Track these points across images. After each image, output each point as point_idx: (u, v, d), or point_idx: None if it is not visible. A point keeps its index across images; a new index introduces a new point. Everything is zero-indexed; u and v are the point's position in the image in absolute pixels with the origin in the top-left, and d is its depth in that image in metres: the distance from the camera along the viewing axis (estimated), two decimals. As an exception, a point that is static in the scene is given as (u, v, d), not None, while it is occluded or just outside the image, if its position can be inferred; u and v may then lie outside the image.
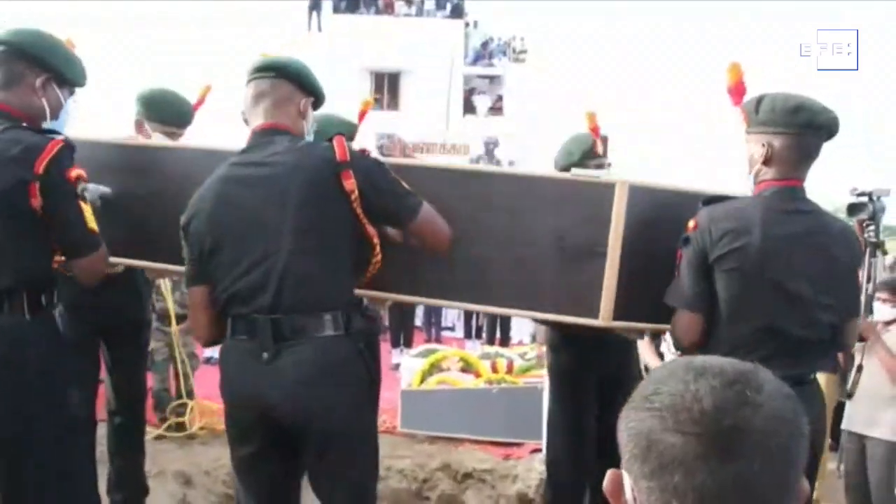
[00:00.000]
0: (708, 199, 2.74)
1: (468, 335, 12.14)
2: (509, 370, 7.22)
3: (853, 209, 4.59)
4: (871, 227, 4.52)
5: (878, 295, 4.44)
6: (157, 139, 3.68)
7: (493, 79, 29.28)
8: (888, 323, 4.42)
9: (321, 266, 2.59)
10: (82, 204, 2.63)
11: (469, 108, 28.00)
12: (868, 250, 4.58)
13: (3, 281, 2.55)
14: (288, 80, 2.69)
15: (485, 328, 11.73)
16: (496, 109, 28.62)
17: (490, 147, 17.72)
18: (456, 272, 2.84)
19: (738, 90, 2.84)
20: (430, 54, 26.68)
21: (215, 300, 2.67)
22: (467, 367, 7.39)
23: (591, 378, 3.88)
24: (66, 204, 2.59)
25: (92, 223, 2.67)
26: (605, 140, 3.85)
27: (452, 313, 13.52)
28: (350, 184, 2.55)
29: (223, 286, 2.64)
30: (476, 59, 29.37)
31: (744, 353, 2.35)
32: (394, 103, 28.73)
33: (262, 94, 2.68)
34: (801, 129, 2.66)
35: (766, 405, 0.99)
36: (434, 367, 7.47)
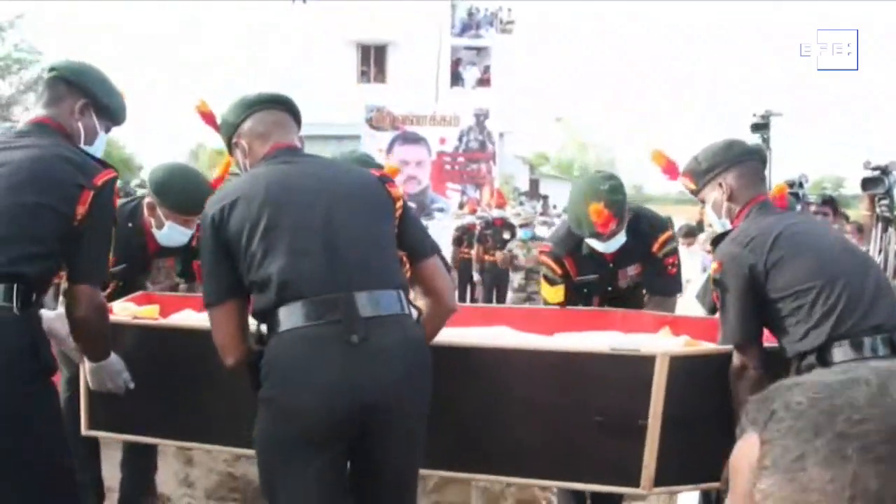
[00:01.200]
0: (715, 240, 2.89)
1: (463, 308, 12.13)
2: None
3: (867, 183, 4.57)
4: (885, 202, 4.51)
5: None
6: (170, 226, 3.58)
7: (480, 50, 29.12)
8: None
9: (381, 247, 2.50)
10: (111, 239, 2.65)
11: (457, 79, 27.87)
12: (880, 225, 4.57)
13: (11, 253, 2.42)
14: (292, 116, 2.74)
15: (480, 301, 11.71)
16: (484, 81, 28.50)
17: (481, 119, 17.54)
18: (493, 444, 2.85)
19: (670, 169, 3.18)
20: (417, 26, 26.52)
21: (260, 294, 2.42)
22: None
23: None
24: (103, 229, 2.58)
25: (108, 263, 2.67)
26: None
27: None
28: (396, 192, 2.59)
29: (277, 268, 2.38)
30: (463, 31, 29.19)
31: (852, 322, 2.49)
32: (381, 76, 28.59)
33: (279, 122, 2.68)
34: (741, 158, 2.89)
35: None
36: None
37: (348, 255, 2.40)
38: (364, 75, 29.21)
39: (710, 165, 2.89)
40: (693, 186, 2.99)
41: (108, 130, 2.83)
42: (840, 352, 2.50)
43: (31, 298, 2.45)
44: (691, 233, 8.81)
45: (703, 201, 3.01)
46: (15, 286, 2.38)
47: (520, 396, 2.80)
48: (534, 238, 9.76)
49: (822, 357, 2.51)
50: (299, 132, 2.75)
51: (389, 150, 17.29)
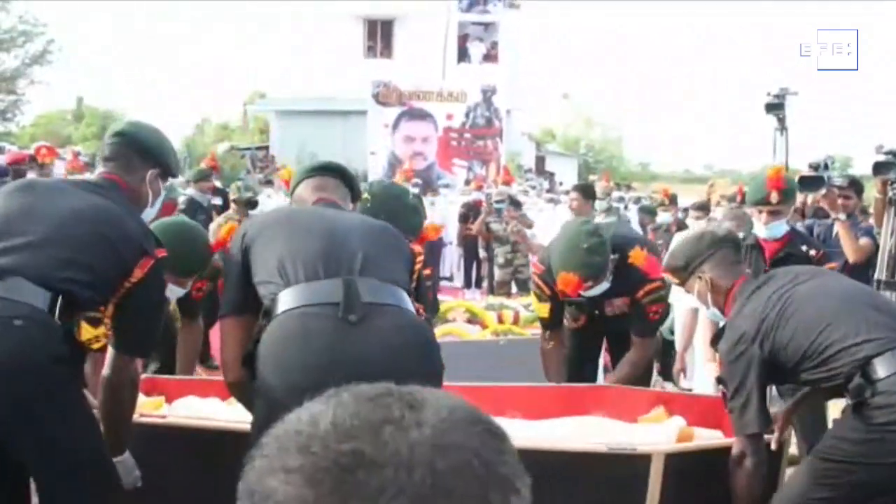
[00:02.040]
0: (713, 340, 3.00)
1: (468, 284, 12.09)
2: (515, 321, 7.13)
3: (879, 168, 4.56)
4: None
5: None
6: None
7: (487, 25, 28.87)
8: None
9: (389, 258, 2.58)
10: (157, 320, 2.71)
11: (464, 55, 27.67)
12: (893, 209, 4.55)
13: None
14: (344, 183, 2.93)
15: (486, 278, 11.66)
16: (491, 56, 28.28)
17: (488, 95, 17.46)
18: None
19: (652, 267, 3.69)
20: (424, 0, 26.28)
21: (265, 288, 2.48)
22: (473, 318, 7.31)
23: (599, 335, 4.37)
24: (154, 304, 2.64)
25: (154, 341, 2.72)
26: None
27: (451, 262, 13.50)
28: (418, 249, 2.79)
29: (279, 256, 2.47)
30: (470, 6, 28.89)
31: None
32: (387, 51, 28.35)
33: (322, 186, 2.86)
34: (713, 248, 3.04)
35: (428, 426, 0.73)
36: (439, 319, 7.41)
37: (354, 247, 2.46)
38: (371, 50, 28.96)
39: (687, 261, 3.07)
40: (677, 281, 3.18)
41: (200, 276, 3.12)
42: (882, 362, 2.54)
43: (71, 318, 2.42)
44: (703, 207, 8.72)
45: (690, 292, 3.17)
46: (60, 298, 2.36)
47: None
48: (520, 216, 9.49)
49: (866, 374, 2.55)
50: (351, 200, 2.94)
51: (396, 126, 17.23)
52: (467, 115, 17.47)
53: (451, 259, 13.53)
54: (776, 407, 3.44)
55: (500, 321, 7.16)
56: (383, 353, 2.27)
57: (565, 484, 2.74)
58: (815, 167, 5.23)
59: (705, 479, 2.77)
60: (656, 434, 3.03)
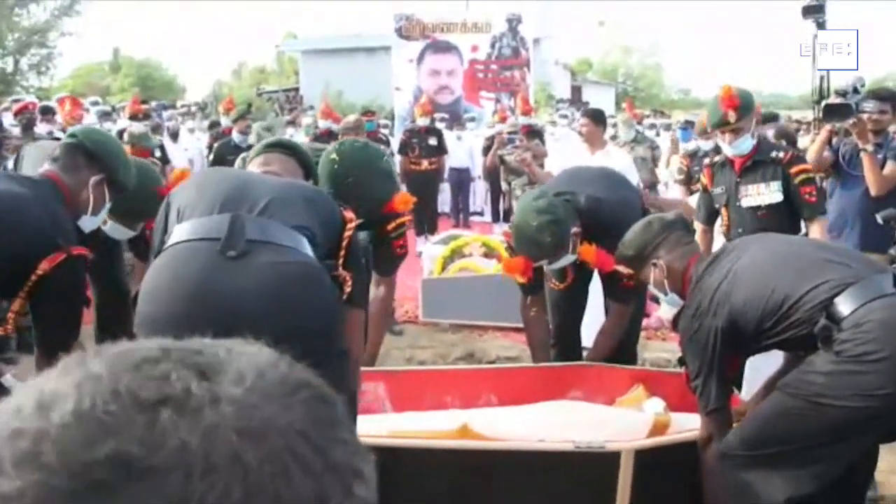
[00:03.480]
0: (674, 321, 2.96)
1: (496, 218, 11.88)
2: (533, 253, 6.92)
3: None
4: None
5: None
6: (112, 225, 3.37)
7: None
8: None
9: (301, 214, 2.43)
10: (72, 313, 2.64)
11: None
12: None
13: None
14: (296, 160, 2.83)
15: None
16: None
17: (513, 24, 16.96)
18: None
19: (603, 261, 3.50)
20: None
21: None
22: (489, 252, 7.14)
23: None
24: (66, 303, 2.59)
25: (68, 341, 2.59)
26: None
27: (480, 197, 13.29)
28: (350, 216, 2.57)
29: (181, 201, 2.42)
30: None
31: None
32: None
33: (269, 163, 2.76)
34: (663, 233, 2.99)
35: (227, 402, 0.49)
36: (455, 254, 7.24)
37: (261, 193, 2.35)
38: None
39: (638, 249, 3.03)
40: (629, 272, 3.15)
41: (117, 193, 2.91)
42: (844, 300, 2.43)
43: None
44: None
45: (646, 283, 3.13)
46: None
47: (480, 498, 2.72)
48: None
49: (831, 315, 2.44)
50: (305, 177, 2.81)
51: (420, 60, 16.86)
52: (493, 46, 16.98)
53: (480, 193, 13.32)
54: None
55: (517, 254, 6.93)
56: (256, 290, 2.14)
57: (535, 482, 2.70)
58: (842, 93, 4.89)
59: (677, 472, 2.71)
60: (632, 422, 2.96)
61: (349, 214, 2.57)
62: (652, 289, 3.08)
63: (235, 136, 8.59)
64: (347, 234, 2.52)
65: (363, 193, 3.08)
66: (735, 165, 4.24)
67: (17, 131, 8.33)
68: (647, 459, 2.66)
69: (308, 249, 2.30)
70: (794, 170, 4.09)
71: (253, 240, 2.21)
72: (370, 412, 3.02)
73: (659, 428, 2.90)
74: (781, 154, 4.19)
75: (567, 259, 3.63)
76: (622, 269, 3.20)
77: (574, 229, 3.57)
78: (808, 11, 6.22)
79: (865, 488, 2.80)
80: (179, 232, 2.30)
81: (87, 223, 2.80)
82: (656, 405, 3.10)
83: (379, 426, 2.75)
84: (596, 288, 4.09)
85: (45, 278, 2.45)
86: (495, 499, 2.72)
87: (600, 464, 2.63)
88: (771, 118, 7.90)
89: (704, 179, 4.43)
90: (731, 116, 4.05)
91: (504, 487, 2.71)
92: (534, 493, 2.70)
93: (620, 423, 2.93)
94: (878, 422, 2.37)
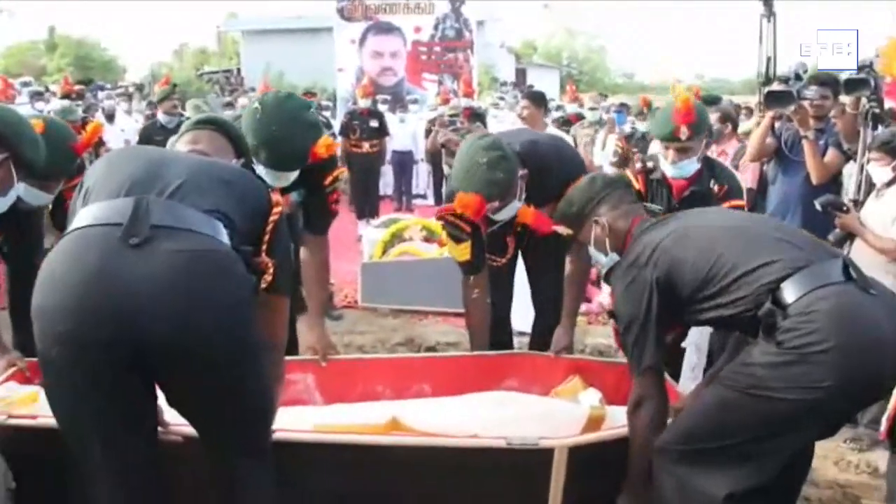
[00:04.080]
0: (607, 275, 2.82)
1: (438, 201, 11.78)
2: (474, 237, 6.85)
3: (851, 85, 4.41)
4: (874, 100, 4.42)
5: (870, 157, 4.12)
6: (26, 187, 3.00)
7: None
8: (888, 184, 4.06)
9: (219, 197, 2.28)
10: None
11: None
12: (869, 127, 4.38)
13: None
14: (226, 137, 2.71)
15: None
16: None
17: (456, 5, 16.81)
18: None
19: (541, 222, 3.34)
20: None
21: None
22: (430, 236, 7.04)
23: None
24: None
25: None
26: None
27: (423, 180, 13.19)
28: (277, 200, 2.44)
29: (89, 183, 2.29)
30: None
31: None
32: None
33: (197, 140, 2.64)
34: (607, 189, 2.89)
35: None
36: (396, 238, 7.14)
37: (174, 174, 2.20)
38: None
39: (580, 206, 2.90)
40: (571, 231, 2.99)
41: (27, 177, 2.85)
42: (791, 285, 2.32)
43: None
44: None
45: (584, 243, 2.96)
46: None
47: (410, 494, 2.63)
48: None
49: (777, 299, 2.32)
50: (236, 155, 2.69)
51: (363, 41, 16.65)
52: (436, 28, 16.82)
53: (423, 176, 13.22)
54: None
55: (458, 238, 6.85)
56: (155, 280, 1.99)
57: (466, 479, 2.62)
58: (784, 80, 4.87)
59: (613, 469, 2.60)
60: (567, 416, 2.88)
61: (276, 197, 2.44)
62: (591, 249, 2.92)
63: (161, 117, 8.32)
64: (273, 218, 2.38)
65: (287, 143, 2.98)
66: (673, 189, 3.83)
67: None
68: (582, 456, 2.58)
69: (222, 235, 2.15)
70: (726, 205, 3.69)
71: (158, 225, 2.06)
72: (299, 403, 2.92)
73: (594, 422, 2.82)
74: (716, 187, 3.78)
75: (513, 207, 3.40)
76: (561, 229, 3.03)
77: (520, 171, 3.36)
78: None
79: (803, 481, 2.72)
80: (82, 216, 2.15)
81: None
82: (592, 397, 3.01)
83: (305, 420, 2.64)
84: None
85: None
86: (426, 496, 2.63)
87: (533, 461, 2.54)
88: (713, 101, 7.90)
89: (637, 184, 3.85)
90: (683, 133, 3.63)
91: (435, 484, 2.62)
92: (466, 489, 2.61)
93: (555, 416, 2.86)
94: (820, 415, 2.29)
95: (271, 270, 2.33)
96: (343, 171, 3.24)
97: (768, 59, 6.55)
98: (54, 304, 2.02)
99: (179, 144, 2.63)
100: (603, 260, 2.88)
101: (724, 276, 2.40)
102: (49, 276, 2.06)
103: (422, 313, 6.43)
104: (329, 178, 3.35)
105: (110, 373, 2.02)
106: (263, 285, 2.33)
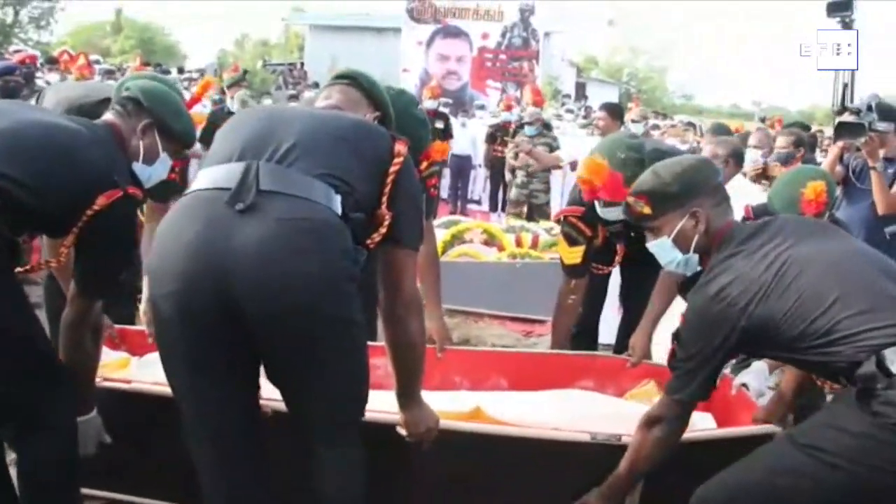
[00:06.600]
0: (683, 287, 2.51)
1: (493, 208, 11.83)
2: (534, 244, 6.90)
3: None
4: None
5: None
6: (164, 159, 2.83)
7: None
8: None
9: (332, 155, 2.26)
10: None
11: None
12: None
13: None
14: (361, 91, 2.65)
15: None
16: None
17: (525, 15, 16.89)
18: None
19: (610, 186, 3.09)
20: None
21: None
22: (490, 240, 7.08)
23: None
24: (117, 240, 2.47)
25: (116, 285, 2.57)
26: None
27: (479, 185, 13.24)
28: (399, 150, 2.33)
29: (213, 149, 2.32)
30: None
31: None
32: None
33: (330, 95, 2.62)
34: (717, 182, 2.54)
35: None
36: (456, 239, 7.18)
37: (287, 134, 2.20)
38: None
39: (684, 188, 2.45)
40: (647, 211, 2.50)
41: (177, 153, 2.81)
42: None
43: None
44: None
45: (651, 231, 2.54)
46: None
47: (492, 482, 2.66)
48: (541, 134, 9.05)
49: (882, 363, 2.03)
50: (376, 109, 2.63)
51: (430, 43, 16.80)
52: (503, 36, 16.91)
53: (479, 182, 13.27)
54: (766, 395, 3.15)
55: (518, 244, 6.93)
56: (254, 247, 2.00)
57: (549, 471, 2.64)
58: (855, 112, 4.83)
59: (688, 471, 2.52)
60: (639, 417, 2.79)
61: (399, 147, 2.32)
62: (663, 241, 2.49)
63: (230, 103, 8.34)
64: (394, 168, 2.28)
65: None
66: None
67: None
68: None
69: (332, 202, 2.12)
70: None
71: (266, 191, 2.06)
72: (382, 388, 2.98)
73: None
74: None
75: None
76: (636, 204, 2.54)
77: None
78: (833, 8, 5.94)
79: None
80: (200, 178, 2.19)
81: (142, 172, 2.63)
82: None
83: (388, 404, 2.68)
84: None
85: (99, 214, 2.34)
86: (504, 485, 2.66)
87: (616, 457, 2.55)
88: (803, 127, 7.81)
89: None
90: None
91: (515, 474, 2.65)
92: (545, 481, 2.64)
93: (628, 417, 2.88)
94: (882, 497, 2.07)
95: (386, 222, 2.24)
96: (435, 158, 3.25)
97: (844, 87, 6.46)
98: (162, 265, 2.08)
99: (318, 102, 2.63)
100: (676, 257, 2.50)
101: (827, 334, 2.12)
102: (161, 236, 2.12)
103: (478, 315, 6.46)
104: (425, 164, 3.25)
105: (211, 336, 2.06)
106: (377, 238, 2.25)
